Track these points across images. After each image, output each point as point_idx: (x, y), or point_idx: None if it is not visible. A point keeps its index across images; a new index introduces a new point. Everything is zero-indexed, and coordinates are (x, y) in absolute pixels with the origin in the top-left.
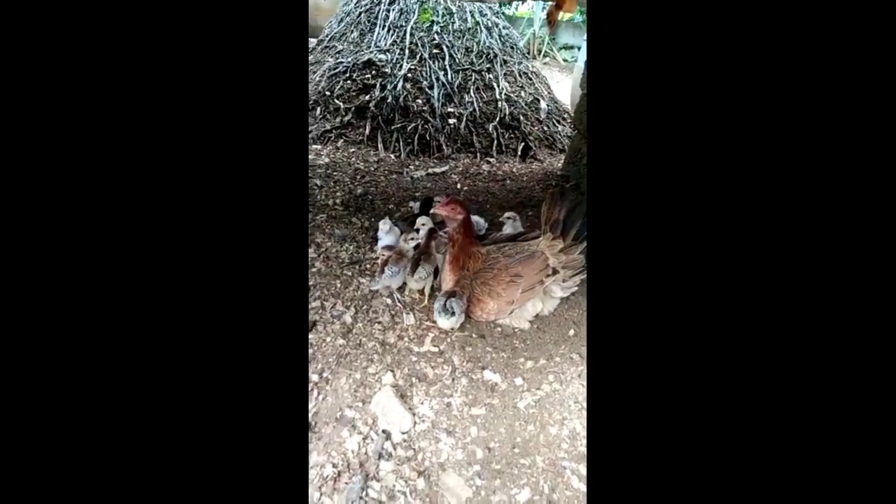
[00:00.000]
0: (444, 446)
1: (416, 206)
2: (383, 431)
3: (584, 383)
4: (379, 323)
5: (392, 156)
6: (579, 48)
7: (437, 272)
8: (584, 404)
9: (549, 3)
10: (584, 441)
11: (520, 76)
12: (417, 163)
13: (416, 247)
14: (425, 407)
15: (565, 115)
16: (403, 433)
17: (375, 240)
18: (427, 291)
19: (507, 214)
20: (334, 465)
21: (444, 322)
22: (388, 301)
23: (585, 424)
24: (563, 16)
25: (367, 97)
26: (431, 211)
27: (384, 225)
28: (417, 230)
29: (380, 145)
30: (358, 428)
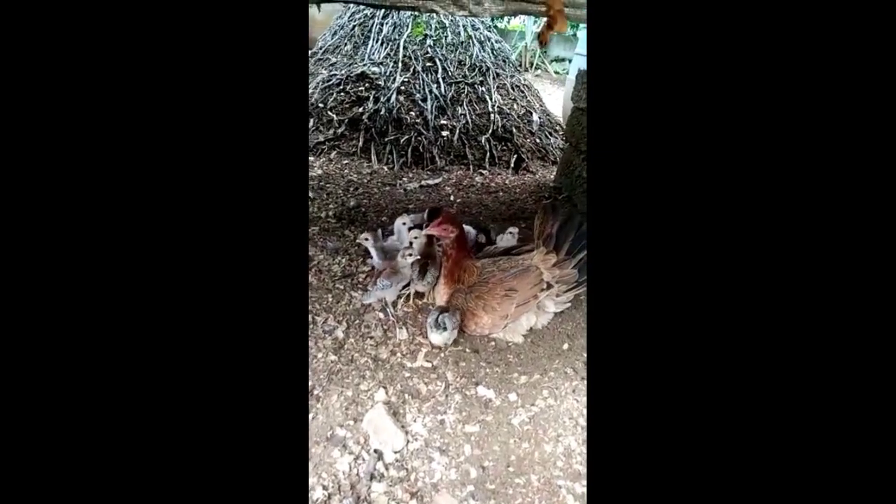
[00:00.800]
0: (438, 466)
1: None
2: (375, 451)
3: (579, 398)
4: (371, 338)
5: (385, 168)
6: (571, 60)
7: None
8: (579, 420)
9: (542, 21)
10: (580, 459)
11: (512, 89)
12: (410, 175)
13: (412, 264)
14: (418, 424)
15: (557, 127)
16: (396, 452)
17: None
18: (425, 295)
19: (510, 230)
20: (324, 488)
21: (437, 338)
22: (381, 315)
23: (580, 441)
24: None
25: (361, 109)
26: (423, 232)
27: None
28: (410, 244)
29: (373, 157)
30: (349, 448)
